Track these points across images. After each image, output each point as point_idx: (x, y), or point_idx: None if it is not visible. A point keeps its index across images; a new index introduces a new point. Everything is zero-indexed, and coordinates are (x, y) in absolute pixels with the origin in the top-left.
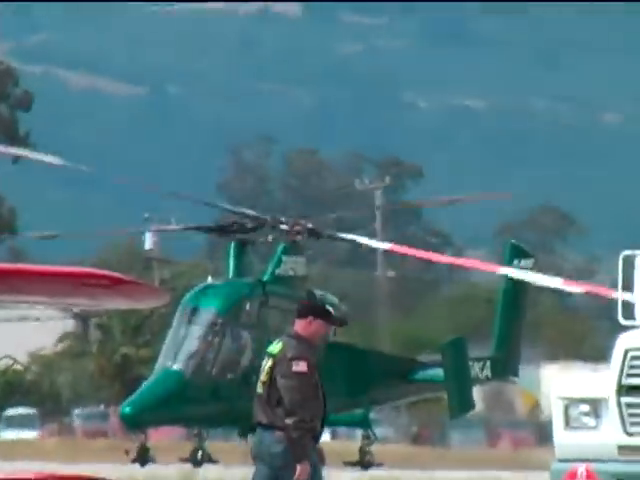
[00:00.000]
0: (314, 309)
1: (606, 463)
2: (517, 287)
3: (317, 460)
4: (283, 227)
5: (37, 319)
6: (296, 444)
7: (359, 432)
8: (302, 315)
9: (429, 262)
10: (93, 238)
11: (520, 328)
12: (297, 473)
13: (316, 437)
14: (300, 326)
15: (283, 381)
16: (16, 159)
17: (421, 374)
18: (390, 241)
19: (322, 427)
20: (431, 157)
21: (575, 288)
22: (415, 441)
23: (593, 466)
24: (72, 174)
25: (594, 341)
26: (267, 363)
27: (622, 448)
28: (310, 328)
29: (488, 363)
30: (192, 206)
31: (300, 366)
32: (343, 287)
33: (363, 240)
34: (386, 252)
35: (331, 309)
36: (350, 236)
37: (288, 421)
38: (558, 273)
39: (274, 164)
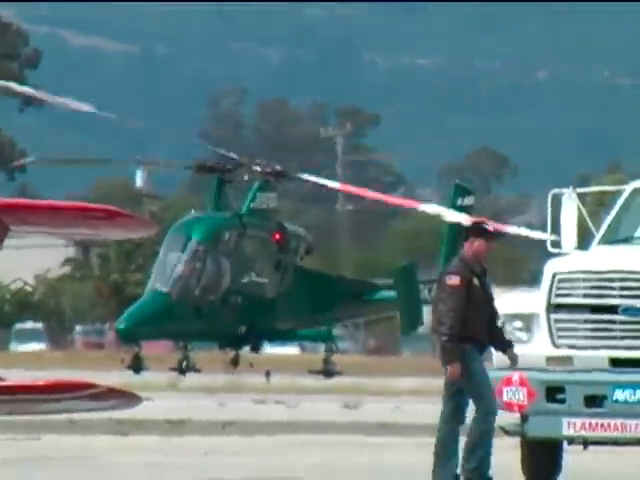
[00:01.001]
0: (473, 230)
1: (537, 372)
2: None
3: (480, 365)
4: (256, 168)
5: (43, 246)
6: (444, 349)
7: (323, 346)
8: (465, 237)
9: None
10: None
11: None
12: (447, 374)
13: (482, 343)
14: (465, 247)
15: (437, 292)
16: (22, 109)
17: (377, 295)
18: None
19: (488, 337)
20: (387, 108)
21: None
22: (371, 353)
23: (525, 374)
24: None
25: (526, 267)
26: None
27: (550, 359)
28: (472, 247)
29: (434, 286)
30: (175, 150)
31: (452, 280)
32: (309, 220)
33: (318, 180)
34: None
35: (489, 227)
36: (309, 177)
37: (439, 329)
38: (495, 210)
39: (247, 112)
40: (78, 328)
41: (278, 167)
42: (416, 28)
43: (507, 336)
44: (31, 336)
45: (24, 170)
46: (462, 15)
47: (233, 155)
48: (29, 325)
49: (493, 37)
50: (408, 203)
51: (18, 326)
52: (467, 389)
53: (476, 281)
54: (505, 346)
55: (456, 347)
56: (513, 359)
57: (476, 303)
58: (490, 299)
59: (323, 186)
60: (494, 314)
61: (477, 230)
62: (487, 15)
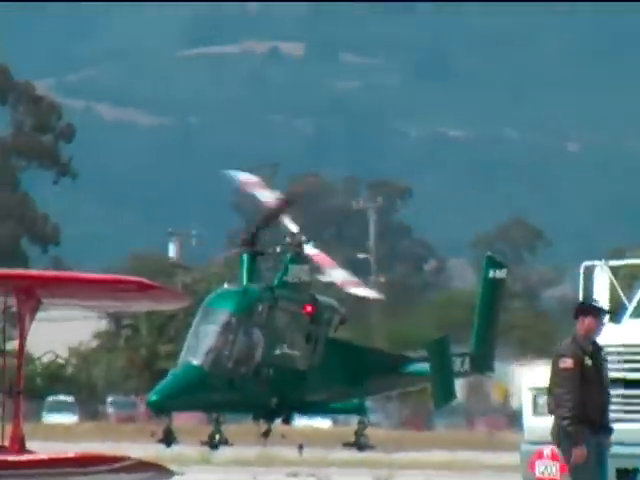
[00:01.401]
0: (582, 309)
1: None
2: (493, 292)
3: (600, 445)
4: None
5: (75, 319)
6: (567, 433)
7: (356, 418)
8: (575, 316)
9: (415, 268)
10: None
11: (495, 329)
12: (572, 457)
13: (598, 425)
14: (577, 327)
15: (551, 376)
16: (56, 181)
17: (410, 368)
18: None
19: (602, 416)
20: (418, 179)
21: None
22: (404, 426)
23: (557, 448)
24: (105, 193)
25: (559, 339)
26: None
27: None
28: (583, 326)
29: (467, 359)
30: (207, 221)
31: (565, 363)
32: (341, 291)
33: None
34: (378, 259)
35: (599, 304)
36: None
37: (557, 412)
38: (528, 282)
39: (278, 185)
40: (110, 399)
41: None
42: (447, 97)
43: (538, 408)
44: (63, 408)
45: (58, 243)
46: (492, 85)
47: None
48: (61, 397)
49: (524, 107)
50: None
51: (50, 398)
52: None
53: (588, 361)
54: (608, 431)
55: (578, 430)
56: (608, 445)
57: (590, 383)
58: (603, 378)
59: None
60: (606, 394)
61: (586, 308)
62: (518, 85)
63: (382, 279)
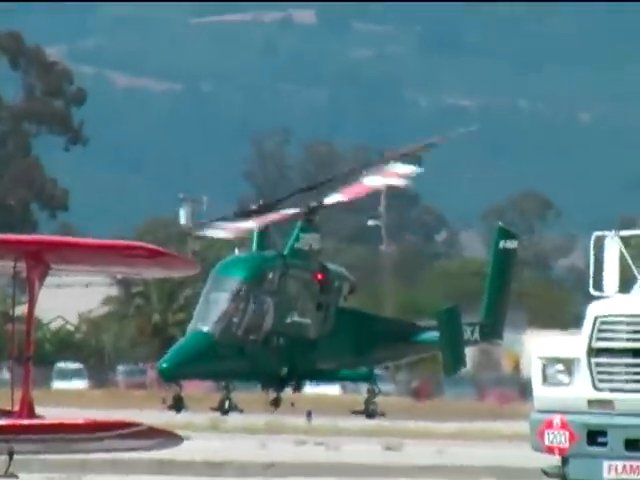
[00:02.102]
0: None
1: (577, 414)
2: (504, 261)
3: None
4: (300, 210)
5: (86, 285)
6: None
7: (365, 387)
8: None
9: (427, 238)
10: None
11: (506, 297)
12: None
13: None
14: None
15: None
16: (67, 147)
17: (420, 337)
18: (391, 222)
19: None
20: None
21: None
22: (413, 395)
23: (566, 417)
24: (116, 159)
25: (569, 309)
26: None
27: (591, 402)
28: None
29: (477, 327)
30: (219, 188)
31: None
32: (352, 260)
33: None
34: (389, 228)
35: None
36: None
37: None
38: (539, 252)
39: (292, 153)
40: (120, 369)
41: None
42: (458, 67)
43: (547, 378)
44: (73, 374)
45: (67, 209)
46: (504, 56)
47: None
48: (71, 364)
49: (538, 78)
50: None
51: (60, 365)
52: None
53: None
54: None
55: None
56: None
57: None
58: None
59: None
60: None
61: None
62: (529, 55)
63: (393, 247)
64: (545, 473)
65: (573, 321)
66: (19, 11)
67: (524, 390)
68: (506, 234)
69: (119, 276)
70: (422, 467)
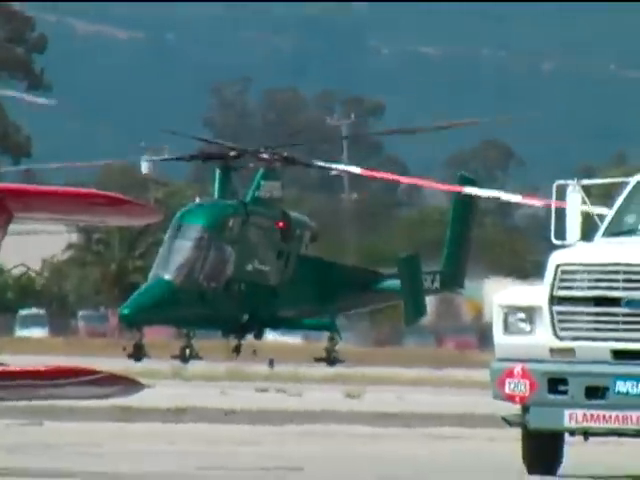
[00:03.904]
0: None
1: (539, 363)
2: (464, 211)
3: None
4: (264, 156)
5: (47, 233)
6: None
7: (326, 335)
8: None
9: (389, 187)
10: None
11: (467, 246)
12: None
13: None
14: None
15: None
16: (28, 92)
17: (381, 285)
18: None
19: None
20: (391, 96)
21: (533, 202)
22: (374, 343)
23: (528, 365)
24: (80, 107)
25: (530, 258)
26: None
27: (553, 350)
28: None
29: (438, 276)
30: (181, 137)
31: None
32: (313, 208)
33: (338, 167)
34: (352, 177)
35: None
36: (333, 165)
37: None
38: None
39: (253, 101)
40: (81, 313)
41: (286, 154)
42: (421, 15)
43: (509, 327)
44: (34, 322)
45: (29, 155)
46: (467, 3)
47: (236, 145)
48: (33, 311)
49: (499, 26)
50: (446, 187)
51: (23, 312)
52: None
53: None
54: None
55: None
56: None
57: None
58: None
59: (330, 171)
60: None
61: None
62: (495, 5)
63: (355, 195)
64: (506, 421)
65: (534, 270)
66: None
67: (483, 338)
68: (468, 182)
69: (82, 224)
70: (383, 414)
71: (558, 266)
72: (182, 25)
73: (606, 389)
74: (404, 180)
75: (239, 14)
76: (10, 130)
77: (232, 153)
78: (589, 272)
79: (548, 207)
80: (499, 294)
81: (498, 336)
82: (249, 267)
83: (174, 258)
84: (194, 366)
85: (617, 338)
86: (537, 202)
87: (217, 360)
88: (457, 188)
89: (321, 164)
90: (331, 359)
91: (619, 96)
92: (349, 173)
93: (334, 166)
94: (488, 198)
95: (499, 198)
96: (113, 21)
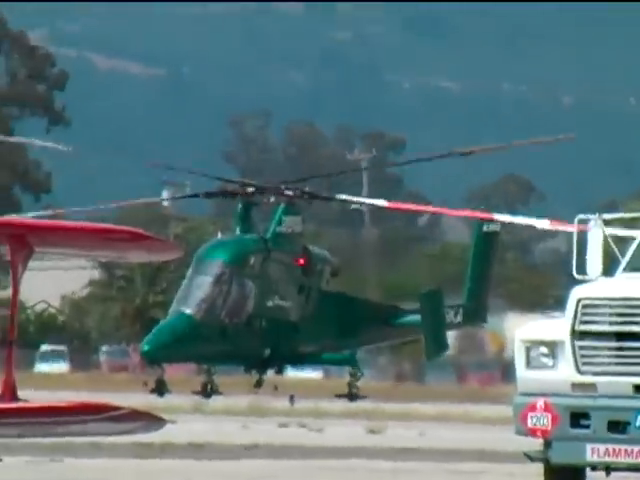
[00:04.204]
0: None
1: (561, 397)
2: (487, 245)
3: None
4: (287, 192)
5: (68, 269)
6: None
7: (347, 370)
8: None
9: (409, 222)
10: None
11: (488, 280)
12: None
13: None
14: None
15: None
16: (49, 129)
17: (402, 319)
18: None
19: None
20: (412, 131)
21: (561, 227)
22: (395, 379)
23: (550, 400)
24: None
25: (550, 292)
26: None
27: (575, 385)
28: None
29: (461, 310)
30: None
31: None
32: (334, 243)
33: (363, 200)
34: (373, 211)
35: None
36: (359, 198)
37: None
38: (521, 235)
39: (272, 135)
40: (104, 348)
41: (307, 188)
42: (441, 50)
43: (531, 361)
44: (55, 357)
45: (49, 192)
46: (487, 38)
47: (257, 183)
48: (54, 346)
49: (519, 60)
50: (475, 214)
51: (43, 348)
52: None
53: None
54: None
55: None
56: None
57: None
58: None
59: (351, 205)
60: None
61: None
62: (513, 38)
63: (375, 230)
64: (528, 457)
65: (554, 305)
66: None
67: (506, 373)
68: (489, 219)
69: (102, 259)
70: (404, 449)
71: (579, 300)
72: (199, 59)
73: (628, 423)
74: (431, 210)
75: (255, 46)
76: (30, 167)
77: (251, 190)
78: (611, 307)
79: (580, 231)
80: (521, 329)
81: (520, 370)
82: (270, 302)
83: (195, 293)
84: (215, 401)
85: (639, 373)
86: (565, 227)
87: (238, 395)
88: (486, 215)
89: (345, 197)
90: (352, 395)
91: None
92: (370, 207)
93: (359, 199)
94: (513, 227)
95: (527, 232)
96: (131, 56)
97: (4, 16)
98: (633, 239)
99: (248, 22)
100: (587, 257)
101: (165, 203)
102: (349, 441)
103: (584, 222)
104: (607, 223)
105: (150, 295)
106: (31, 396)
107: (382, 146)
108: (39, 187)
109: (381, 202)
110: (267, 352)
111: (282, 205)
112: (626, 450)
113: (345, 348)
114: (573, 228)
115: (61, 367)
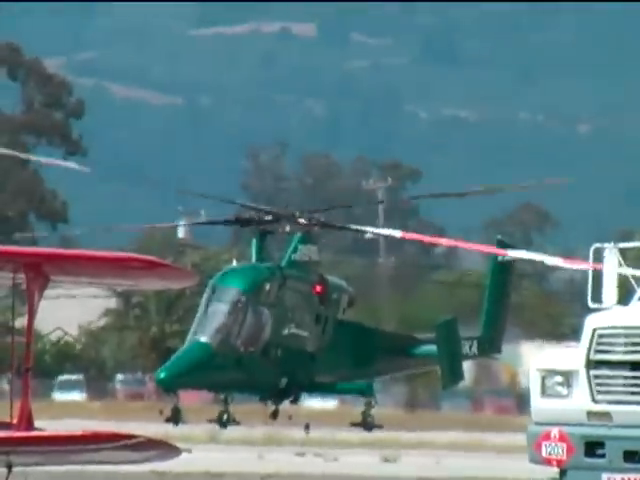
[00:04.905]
0: None
1: (576, 426)
2: (502, 275)
3: None
4: (301, 220)
5: (85, 297)
6: None
7: (362, 399)
8: None
9: (424, 251)
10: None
11: (504, 311)
12: None
13: None
14: None
15: None
16: (65, 158)
17: (418, 349)
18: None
19: None
20: (428, 161)
21: (575, 265)
22: (410, 408)
23: (565, 429)
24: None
25: (566, 322)
26: None
27: (590, 414)
28: None
29: (475, 342)
30: (217, 202)
31: None
32: (350, 272)
33: (378, 230)
34: (388, 241)
35: None
36: (373, 229)
37: None
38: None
39: (288, 165)
40: (119, 377)
41: (322, 218)
42: (457, 79)
43: (546, 390)
44: (72, 386)
45: (66, 221)
46: (503, 67)
47: (271, 209)
48: (72, 376)
49: (537, 90)
50: (487, 249)
51: (60, 377)
52: None
53: None
54: None
55: None
56: None
57: None
58: None
59: (364, 235)
60: None
61: None
62: (529, 67)
63: (391, 259)
64: None
65: (570, 334)
66: (18, 22)
67: (521, 402)
68: (505, 246)
69: (119, 288)
70: (420, 478)
71: (595, 330)
72: (216, 88)
73: None
74: (445, 242)
75: (271, 76)
76: (47, 197)
77: (268, 217)
78: (626, 336)
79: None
80: (536, 358)
81: (535, 399)
82: (286, 331)
83: (211, 322)
84: (231, 431)
85: None
86: (579, 265)
87: (254, 424)
88: (501, 251)
89: (359, 228)
90: (367, 424)
91: None
92: (387, 237)
93: (373, 229)
94: (528, 260)
95: (542, 262)
96: (149, 84)
97: (19, 44)
98: None
99: (265, 47)
100: (602, 286)
101: (180, 232)
102: (365, 470)
103: (600, 252)
104: (622, 252)
105: (166, 324)
106: (48, 425)
107: (399, 176)
108: (55, 216)
109: (396, 233)
110: (283, 382)
111: (298, 233)
112: None
113: (361, 378)
114: (587, 265)
115: (78, 396)
